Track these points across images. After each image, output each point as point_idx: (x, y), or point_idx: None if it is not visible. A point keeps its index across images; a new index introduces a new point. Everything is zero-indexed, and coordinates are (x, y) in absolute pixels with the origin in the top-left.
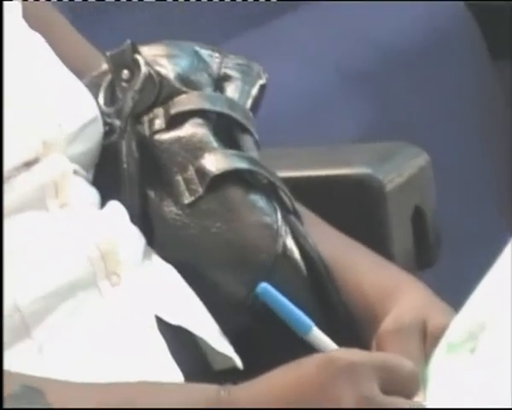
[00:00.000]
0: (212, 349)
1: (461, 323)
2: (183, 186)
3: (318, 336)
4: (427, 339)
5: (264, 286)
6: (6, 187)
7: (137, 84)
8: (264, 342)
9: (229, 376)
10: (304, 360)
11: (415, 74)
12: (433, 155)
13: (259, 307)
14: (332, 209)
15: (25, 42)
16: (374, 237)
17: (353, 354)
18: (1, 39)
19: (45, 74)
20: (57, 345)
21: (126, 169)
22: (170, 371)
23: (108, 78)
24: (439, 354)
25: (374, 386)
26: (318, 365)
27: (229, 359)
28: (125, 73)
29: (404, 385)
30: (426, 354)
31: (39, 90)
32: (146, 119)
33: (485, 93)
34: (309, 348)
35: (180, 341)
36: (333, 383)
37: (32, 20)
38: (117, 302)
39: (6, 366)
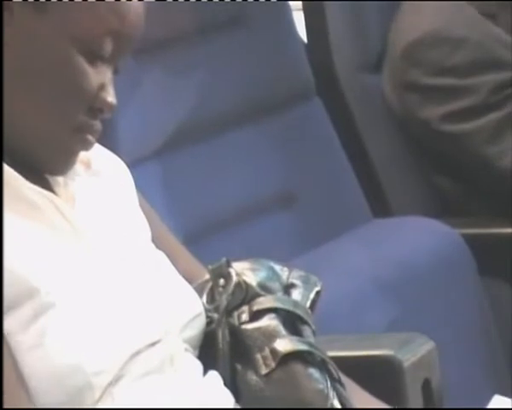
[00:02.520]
0: None
1: None
2: (260, 361)
3: None
4: None
5: None
6: (137, 357)
7: (230, 289)
8: None
9: None
10: None
11: (425, 285)
12: (438, 341)
13: None
14: (366, 379)
15: (153, 257)
16: (395, 399)
17: None
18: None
19: (167, 281)
20: None
21: (221, 349)
22: None
23: (209, 284)
24: None
25: None
26: None
27: None
28: (222, 281)
29: None
30: None
31: (164, 291)
32: (236, 313)
33: (476, 301)
34: None
35: None
36: None
37: (158, 243)
38: None
39: None
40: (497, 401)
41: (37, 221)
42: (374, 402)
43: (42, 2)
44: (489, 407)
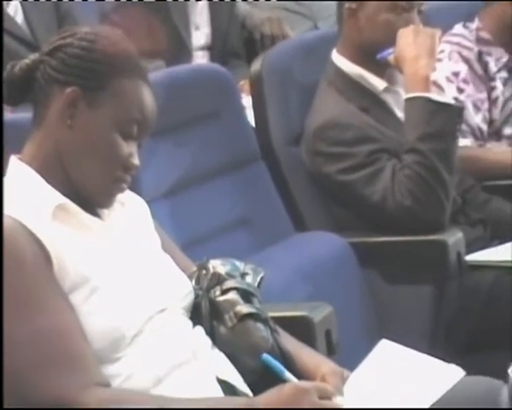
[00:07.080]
0: (241, 392)
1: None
2: (228, 320)
3: (288, 376)
4: (329, 378)
5: (266, 355)
6: (152, 319)
7: (209, 276)
8: (264, 384)
9: None
10: (283, 385)
11: (327, 274)
12: (335, 307)
13: (263, 371)
14: (291, 330)
15: (162, 257)
16: (308, 343)
17: (304, 383)
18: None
19: (170, 271)
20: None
21: (204, 313)
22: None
23: (196, 273)
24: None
25: (316, 397)
26: (290, 387)
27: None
28: (204, 271)
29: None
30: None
31: (168, 277)
32: (212, 291)
33: (358, 284)
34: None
35: (227, 389)
36: (296, 396)
37: (165, 249)
38: (199, 369)
39: None
40: (384, 344)
41: (89, 236)
42: (298, 344)
43: (94, 101)
44: (376, 348)
